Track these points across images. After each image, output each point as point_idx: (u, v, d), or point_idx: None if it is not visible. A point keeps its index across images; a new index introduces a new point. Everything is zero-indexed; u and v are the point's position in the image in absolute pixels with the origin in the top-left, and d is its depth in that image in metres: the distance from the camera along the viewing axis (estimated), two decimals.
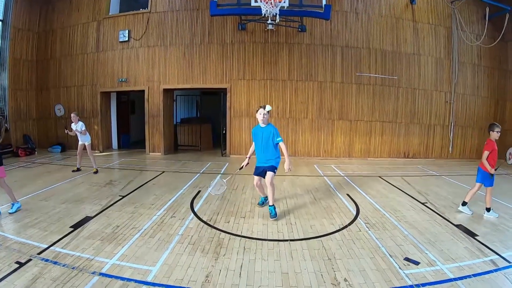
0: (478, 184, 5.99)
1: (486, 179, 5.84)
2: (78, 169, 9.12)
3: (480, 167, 5.97)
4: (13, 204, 5.54)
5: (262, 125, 5.53)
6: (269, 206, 5.61)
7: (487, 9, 12.03)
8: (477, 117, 13.19)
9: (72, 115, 8.98)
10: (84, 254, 4.06)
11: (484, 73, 13.16)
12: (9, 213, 5.45)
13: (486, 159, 5.76)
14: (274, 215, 5.51)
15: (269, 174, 5.47)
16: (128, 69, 12.62)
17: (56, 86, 13.38)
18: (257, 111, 5.52)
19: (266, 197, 6.03)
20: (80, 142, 9.12)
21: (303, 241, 4.71)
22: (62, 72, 13.28)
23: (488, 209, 5.90)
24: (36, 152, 12.39)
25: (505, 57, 13.30)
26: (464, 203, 6.10)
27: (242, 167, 5.80)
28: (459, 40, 12.63)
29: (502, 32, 11.87)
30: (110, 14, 12.89)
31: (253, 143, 5.71)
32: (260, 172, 5.64)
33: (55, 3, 13.40)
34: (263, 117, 5.44)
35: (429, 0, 12.66)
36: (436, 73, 12.68)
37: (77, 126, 8.89)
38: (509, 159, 12.27)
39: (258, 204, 6.26)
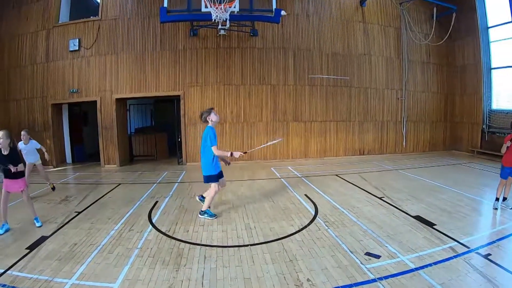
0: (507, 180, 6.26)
1: (501, 172, 6.26)
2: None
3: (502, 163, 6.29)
4: None
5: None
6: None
7: (435, 9, 13.30)
8: (428, 112, 14.57)
9: (22, 133, 8.07)
10: (42, 276, 4.07)
11: (433, 70, 14.55)
12: None
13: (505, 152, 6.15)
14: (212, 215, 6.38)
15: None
16: (80, 79, 12.71)
17: (5, 99, 13.12)
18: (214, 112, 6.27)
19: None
20: (28, 162, 8.16)
21: (264, 244, 4.99)
22: (11, 84, 13.10)
23: (504, 198, 6.37)
24: None
25: (452, 54, 14.68)
26: (504, 199, 6.38)
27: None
28: (408, 40, 13.87)
29: (449, 30, 13.11)
30: (60, 22, 12.93)
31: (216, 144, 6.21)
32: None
33: (2, 11, 13.19)
34: None
35: (378, 1, 13.77)
36: (387, 72, 13.86)
37: (30, 145, 8.09)
38: None
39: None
